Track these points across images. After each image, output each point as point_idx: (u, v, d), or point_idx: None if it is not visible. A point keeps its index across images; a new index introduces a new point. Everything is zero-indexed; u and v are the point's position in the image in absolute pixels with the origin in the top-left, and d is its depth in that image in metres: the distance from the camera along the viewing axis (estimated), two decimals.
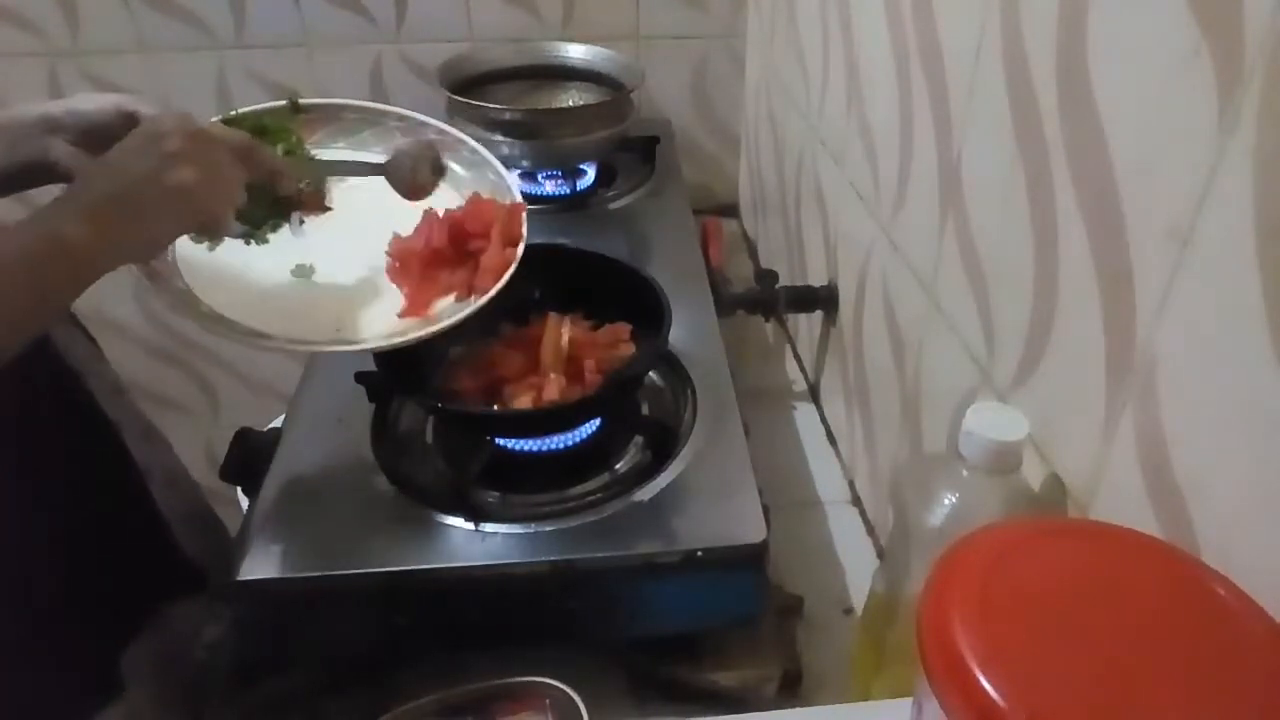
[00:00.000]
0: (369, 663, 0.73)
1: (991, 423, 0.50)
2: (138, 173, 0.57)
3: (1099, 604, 0.37)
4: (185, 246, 0.72)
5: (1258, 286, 0.37)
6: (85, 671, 0.69)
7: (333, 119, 0.82)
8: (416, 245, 0.76)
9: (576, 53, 1.30)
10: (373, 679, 0.70)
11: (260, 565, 0.67)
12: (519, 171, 1.23)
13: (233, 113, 0.75)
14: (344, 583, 0.66)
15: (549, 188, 1.23)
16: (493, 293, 0.73)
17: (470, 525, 0.69)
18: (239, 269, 0.74)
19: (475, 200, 0.79)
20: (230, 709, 0.73)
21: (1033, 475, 0.55)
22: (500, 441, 0.77)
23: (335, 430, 0.79)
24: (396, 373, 0.75)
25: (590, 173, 1.25)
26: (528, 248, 0.76)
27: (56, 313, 0.60)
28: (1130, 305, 0.45)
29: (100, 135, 0.71)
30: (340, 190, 0.79)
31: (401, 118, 0.84)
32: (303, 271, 0.76)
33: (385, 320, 0.74)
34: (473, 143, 0.84)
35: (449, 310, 0.74)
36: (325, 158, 0.80)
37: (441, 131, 0.84)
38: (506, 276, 0.74)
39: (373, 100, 0.88)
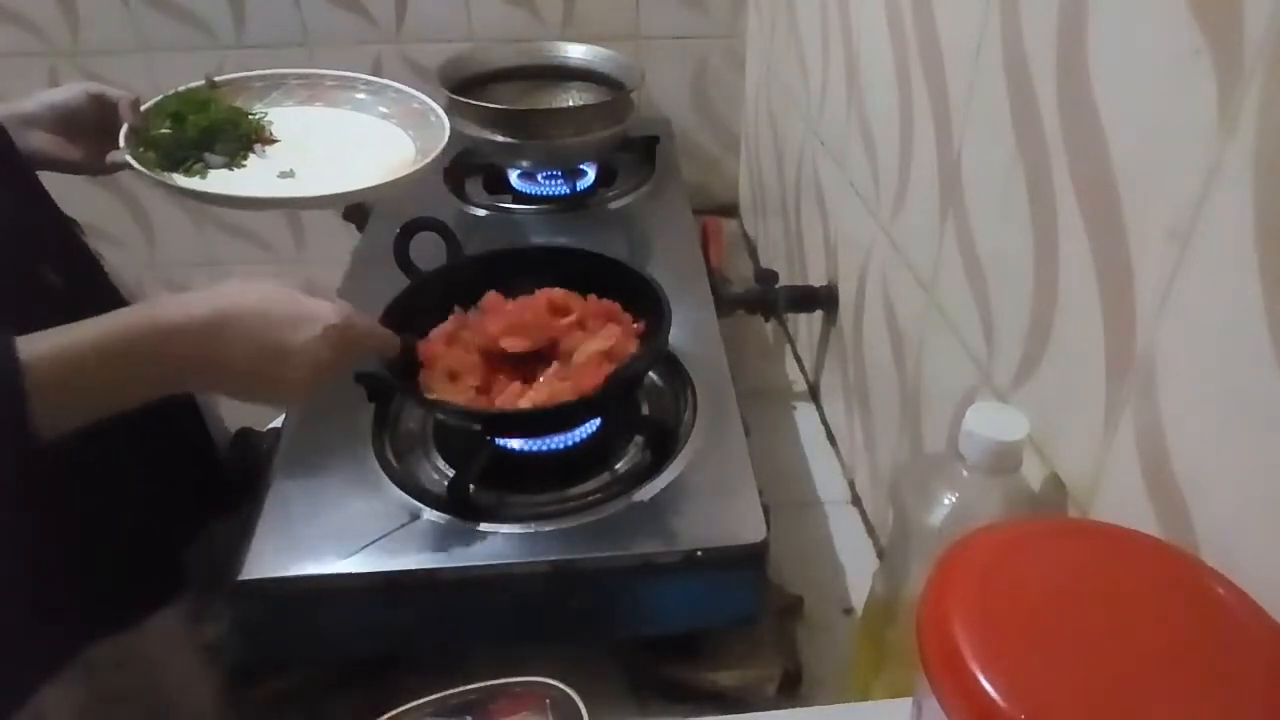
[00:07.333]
0: (369, 663, 0.73)
1: (991, 423, 0.50)
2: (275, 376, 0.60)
3: (1099, 604, 0.37)
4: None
5: (1258, 286, 0.37)
6: (153, 567, 0.71)
7: (243, 89, 0.95)
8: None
9: (576, 53, 1.30)
10: (373, 679, 0.70)
11: (260, 565, 0.67)
12: (519, 172, 1.24)
13: (156, 100, 0.85)
14: (344, 583, 0.66)
15: (549, 188, 1.23)
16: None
17: (470, 525, 0.69)
18: (233, 188, 0.84)
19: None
20: (230, 709, 0.73)
21: (1033, 475, 0.55)
22: (500, 441, 0.77)
23: (335, 430, 0.79)
24: (396, 372, 0.75)
25: (590, 173, 1.25)
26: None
27: None
28: (1130, 305, 0.45)
29: (74, 121, 0.79)
30: (279, 125, 0.92)
31: (301, 76, 0.97)
32: (287, 175, 0.87)
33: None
34: (374, 78, 0.98)
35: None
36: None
37: (337, 79, 0.97)
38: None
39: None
